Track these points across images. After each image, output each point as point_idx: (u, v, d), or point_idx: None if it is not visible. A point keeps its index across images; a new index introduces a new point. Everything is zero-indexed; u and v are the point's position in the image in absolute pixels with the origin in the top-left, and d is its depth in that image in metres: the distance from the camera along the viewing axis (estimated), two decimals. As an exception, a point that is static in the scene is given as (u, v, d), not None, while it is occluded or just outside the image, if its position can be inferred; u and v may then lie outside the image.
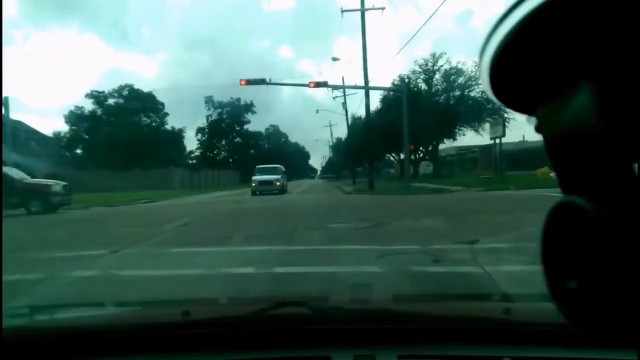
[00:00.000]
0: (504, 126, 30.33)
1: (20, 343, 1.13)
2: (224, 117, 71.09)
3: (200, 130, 70.27)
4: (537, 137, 0.42)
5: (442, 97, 39.49)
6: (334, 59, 29.12)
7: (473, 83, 36.23)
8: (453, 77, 38.54)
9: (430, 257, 5.38)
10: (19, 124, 40.44)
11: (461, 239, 6.54)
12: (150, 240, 7.61)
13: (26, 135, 40.93)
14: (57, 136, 53.50)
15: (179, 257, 5.91)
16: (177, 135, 58.03)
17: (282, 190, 26.21)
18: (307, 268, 4.97)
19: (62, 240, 8.00)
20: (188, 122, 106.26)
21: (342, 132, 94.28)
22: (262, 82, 22.46)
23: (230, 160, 70.31)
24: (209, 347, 1.16)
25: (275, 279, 4.67)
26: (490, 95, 0.41)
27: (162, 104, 58.59)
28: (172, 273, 4.88)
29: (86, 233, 9.25)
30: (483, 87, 0.42)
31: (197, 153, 69.00)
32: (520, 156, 33.27)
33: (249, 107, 70.50)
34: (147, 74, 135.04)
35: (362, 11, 25.49)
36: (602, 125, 0.34)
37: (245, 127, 72.37)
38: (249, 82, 22.24)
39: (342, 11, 26.28)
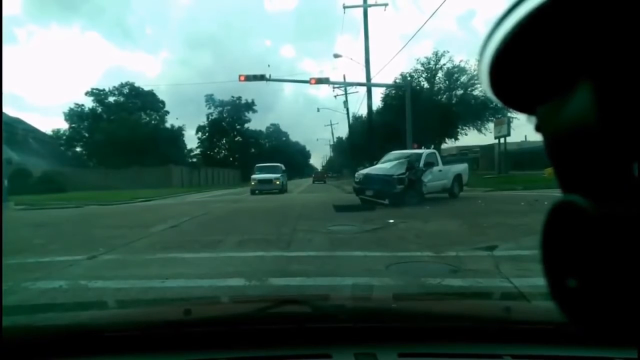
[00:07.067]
0: (508, 125, 29.67)
1: (21, 341, 1.10)
2: (224, 115, 70.45)
3: (200, 128, 69.67)
4: (540, 138, 0.41)
5: (444, 96, 38.81)
6: (336, 56, 28.48)
7: (476, 81, 35.48)
8: (456, 75, 37.93)
9: (447, 267, 4.73)
10: (17, 122, 39.95)
11: (477, 245, 5.90)
12: (134, 244, 6.93)
13: (24, 133, 40.45)
14: (57, 134, 52.98)
15: (160, 264, 5.22)
16: (176, 134, 57.35)
17: (282, 190, 25.66)
18: (307, 280, 4.32)
19: (41, 243, 7.34)
20: (189, 121, 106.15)
21: (343, 131, 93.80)
22: (261, 78, 21.76)
23: (231, 158, 69.62)
24: (211, 345, 1.13)
25: (268, 292, 4.04)
26: (490, 94, 0.41)
27: (163, 102, 58.11)
28: (148, 285, 4.20)
29: (69, 235, 8.59)
30: (483, 86, 0.41)
31: (197, 151, 68.30)
32: (522, 156, 32.56)
33: (249, 106, 69.91)
34: (149, 72, 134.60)
35: (365, 7, 24.88)
36: (601, 125, 0.35)
37: (246, 125, 71.74)
38: (248, 78, 21.60)
39: (344, 7, 25.58)
